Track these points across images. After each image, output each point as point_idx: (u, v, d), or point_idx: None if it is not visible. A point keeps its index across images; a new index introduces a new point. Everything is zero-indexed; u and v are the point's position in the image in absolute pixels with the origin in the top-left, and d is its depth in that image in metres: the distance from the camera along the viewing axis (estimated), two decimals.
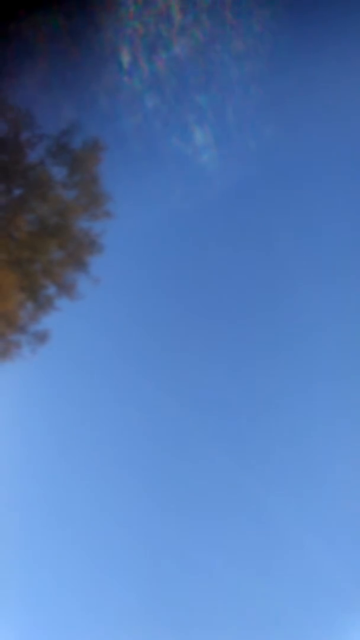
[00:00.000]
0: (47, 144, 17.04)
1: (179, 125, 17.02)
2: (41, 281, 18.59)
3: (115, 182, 17.67)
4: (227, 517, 25.49)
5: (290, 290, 22.59)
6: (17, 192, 17.30)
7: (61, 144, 17.16)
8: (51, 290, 18.82)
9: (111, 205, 17.71)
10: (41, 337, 19.25)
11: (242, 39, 14.23)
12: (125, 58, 15.46)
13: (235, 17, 13.82)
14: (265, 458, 24.97)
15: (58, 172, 17.41)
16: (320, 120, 16.47)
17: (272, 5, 14.24)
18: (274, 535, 24.48)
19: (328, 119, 16.42)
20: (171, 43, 14.82)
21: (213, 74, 15.56)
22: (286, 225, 21.21)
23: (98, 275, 18.44)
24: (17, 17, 14.27)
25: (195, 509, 25.50)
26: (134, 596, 23.77)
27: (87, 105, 16.68)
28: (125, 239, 19.55)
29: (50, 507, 25.03)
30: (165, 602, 24.10)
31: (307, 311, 23.40)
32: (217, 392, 26.60)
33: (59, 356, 21.44)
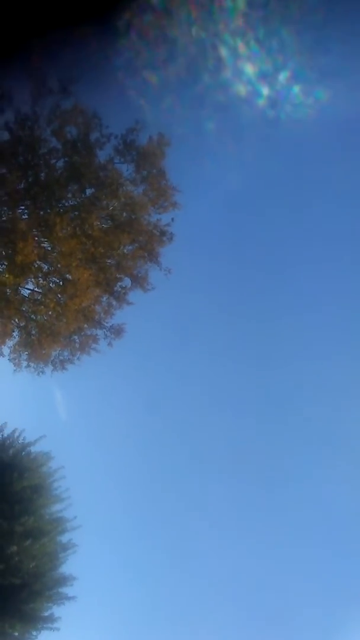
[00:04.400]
0: (115, 143, 17.77)
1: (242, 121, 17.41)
2: (115, 275, 19.36)
3: (183, 175, 18.19)
4: None
5: None
6: (89, 191, 18.11)
7: (128, 142, 17.81)
8: (125, 282, 19.60)
9: (178, 196, 18.22)
10: (117, 331, 20.04)
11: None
12: (190, 51, 15.90)
13: None
14: None
15: (126, 169, 18.11)
16: None
17: None
18: None
19: None
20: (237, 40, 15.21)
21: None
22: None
23: (169, 266, 19.06)
24: (80, 23, 14.98)
25: None
26: None
27: (154, 103, 17.26)
28: (195, 229, 20.10)
29: None
30: None
31: None
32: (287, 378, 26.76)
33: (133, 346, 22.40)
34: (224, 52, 16.47)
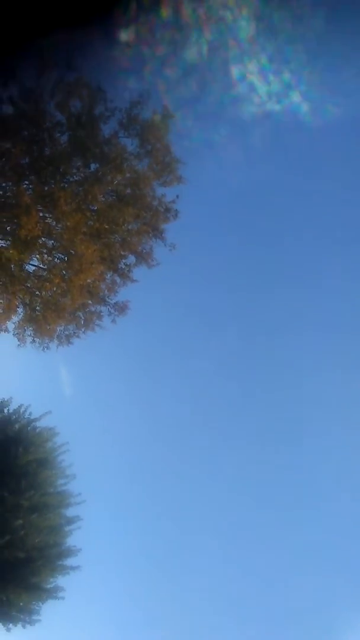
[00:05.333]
0: (119, 117, 17.65)
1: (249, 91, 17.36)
2: (120, 252, 19.32)
3: (188, 147, 18.14)
4: None
5: None
6: (93, 166, 18.04)
7: (132, 115, 17.70)
8: (129, 259, 19.58)
9: (183, 170, 18.13)
10: (121, 308, 20.05)
11: None
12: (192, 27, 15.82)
13: None
14: None
15: (130, 143, 18.01)
16: None
17: None
18: None
19: None
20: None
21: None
22: None
23: (174, 241, 19.02)
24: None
25: None
26: None
27: (156, 76, 17.15)
28: (200, 204, 20.09)
29: None
30: None
31: None
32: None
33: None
34: (232, 67, 16.59)
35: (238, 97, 17.99)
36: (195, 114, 18.70)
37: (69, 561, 16.98)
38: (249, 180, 22.32)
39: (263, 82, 17.46)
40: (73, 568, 16.77)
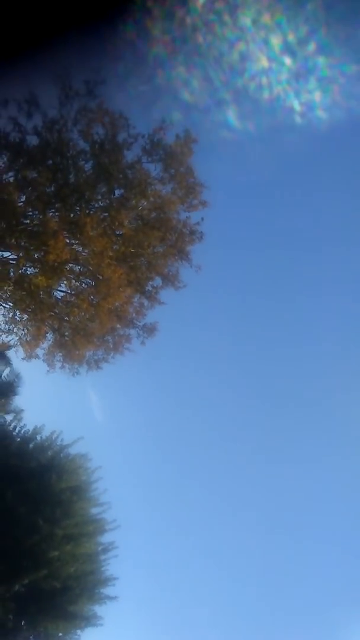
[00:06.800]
0: (142, 142, 17.83)
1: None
2: (146, 274, 19.41)
3: (210, 170, 18.13)
4: None
5: None
6: (118, 192, 18.22)
7: (155, 141, 17.85)
8: (156, 282, 19.64)
9: (207, 193, 18.18)
10: (150, 330, 20.07)
11: None
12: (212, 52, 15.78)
13: None
14: None
15: (154, 168, 18.16)
16: None
17: None
18: None
19: None
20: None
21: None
22: None
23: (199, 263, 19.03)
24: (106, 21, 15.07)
25: None
26: None
27: (176, 99, 17.21)
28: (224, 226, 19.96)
29: None
30: None
31: None
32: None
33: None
34: (246, 22, 16.14)
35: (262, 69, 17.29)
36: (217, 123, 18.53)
37: (106, 590, 16.75)
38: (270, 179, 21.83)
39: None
40: (110, 598, 16.54)
